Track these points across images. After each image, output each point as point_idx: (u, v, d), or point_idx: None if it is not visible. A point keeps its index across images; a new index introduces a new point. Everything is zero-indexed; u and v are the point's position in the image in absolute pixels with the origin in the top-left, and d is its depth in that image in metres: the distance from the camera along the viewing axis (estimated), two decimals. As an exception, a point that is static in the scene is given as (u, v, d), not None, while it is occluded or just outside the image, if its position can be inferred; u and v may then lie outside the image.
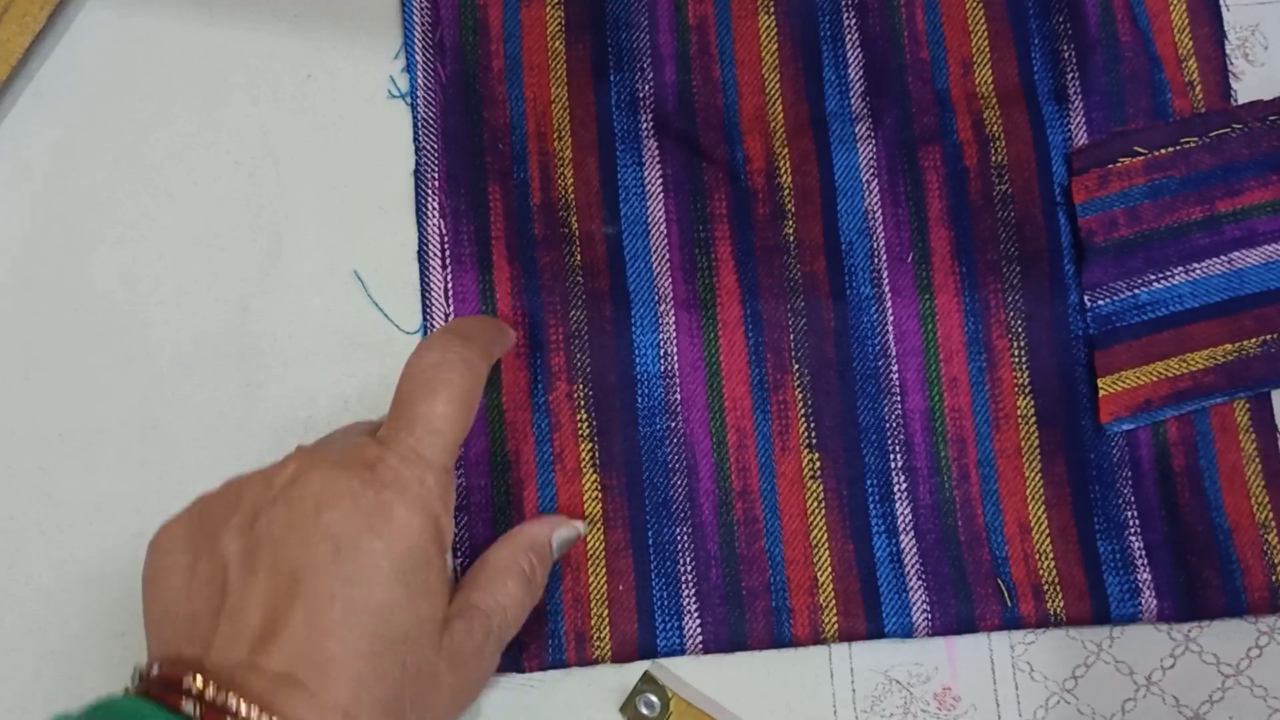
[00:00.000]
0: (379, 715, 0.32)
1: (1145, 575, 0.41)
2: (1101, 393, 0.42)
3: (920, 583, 0.41)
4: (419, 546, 0.33)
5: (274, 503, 0.33)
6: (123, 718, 0.30)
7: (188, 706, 0.30)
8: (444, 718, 0.35)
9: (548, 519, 0.41)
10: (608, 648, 0.41)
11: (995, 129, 0.43)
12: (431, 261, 0.43)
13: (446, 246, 0.43)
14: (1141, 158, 0.43)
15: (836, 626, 0.41)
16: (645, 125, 0.44)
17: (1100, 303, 0.42)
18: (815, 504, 0.42)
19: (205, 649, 0.32)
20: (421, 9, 0.44)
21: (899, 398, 0.42)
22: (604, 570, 0.41)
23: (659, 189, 0.43)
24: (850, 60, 0.44)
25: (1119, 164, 0.43)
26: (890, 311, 0.43)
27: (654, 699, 0.40)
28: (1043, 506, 0.42)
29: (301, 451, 0.35)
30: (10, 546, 0.42)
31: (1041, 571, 0.41)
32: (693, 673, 0.41)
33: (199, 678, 0.31)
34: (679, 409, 0.42)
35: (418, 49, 0.44)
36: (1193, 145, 0.43)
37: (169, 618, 0.34)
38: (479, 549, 0.41)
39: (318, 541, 0.32)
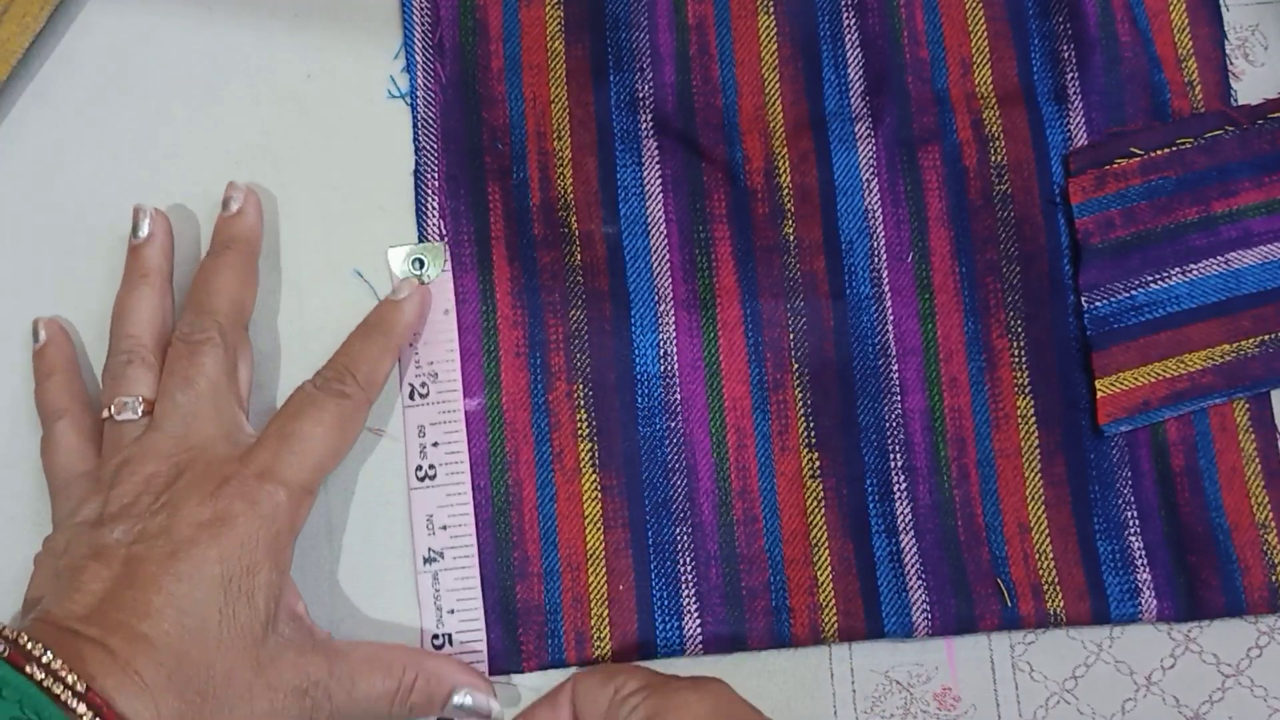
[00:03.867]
0: (174, 701, 0.35)
1: (1145, 575, 0.41)
2: (1100, 394, 0.42)
3: (920, 582, 0.41)
4: (250, 557, 0.37)
5: (157, 498, 0.38)
6: None
7: None
8: None
9: (479, 679, 0.40)
10: (608, 648, 0.41)
11: (995, 129, 0.44)
12: (431, 261, 0.43)
13: (446, 247, 0.43)
14: (1138, 159, 0.43)
15: (836, 626, 0.41)
16: (645, 125, 0.44)
17: (1098, 304, 0.42)
18: (815, 504, 0.42)
19: (45, 610, 0.36)
20: (421, 9, 0.44)
21: (899, 397, 0.42)
22: (604, 570, 0.41)
23: (658, 189, 0.43)
24: (850, 60, 0.44)
25: (1115, 165, 0.43)
26: (890, 311, 0.43)
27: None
28: (1042, 506, 0.42)
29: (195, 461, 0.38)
30: (10, 546, 0.42)
31: (1041, 571, 0.41)
32: (693, 672, 0.41)
33: (6, 629, 0.34)
34: (679, 409, 0.42)
35: (417, 49, 0.44)
36: (1188, 146, 0.43)
37: (40, 570, 0.39)
38: (478, 550, 0.41)
39: (161, 541, 0.36)
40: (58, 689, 0.33)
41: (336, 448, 0.39)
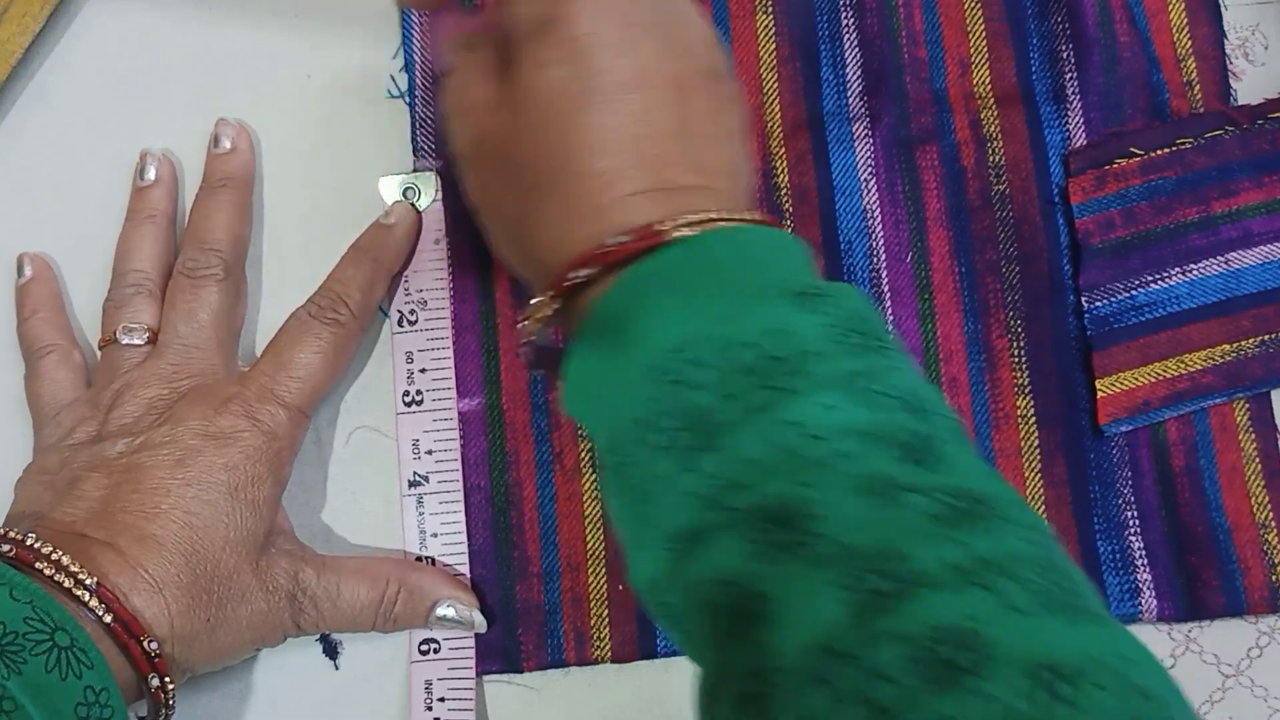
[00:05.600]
0: (183, 598, 0.36)
1: (1145, 575, 0.41)
2: (1100, 394, 0.42)
3: (920, 582, 0.41)
4: (254, 468, 0.38)
5: (160, 414, 0.38)
6: None
7: (3, 547, 0.34)
8: (245, 634, 0.38)
9: (462, 590, 0.41)
10: (608, 648, 0.41)
11: (993, 129, 0.43)
12: (431, 261, 0.43)
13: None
14: (1138, 159, 0.43)
15: (836, 626, 0.41)
16: (644, 125, 0.44)
17: (1098, 304, 0.42)
18: (815, 504, 0.42)
19: (40, 518, 0.36)
20: (420, 9, 0.44)
21: (898, 397, 0.42)
22: (604, 570, 0.41)
23: (658, 189, 0.43)
24: (848, 60, 0.44)
25: (1115, 165, 0.43)
26: (889, 311, 0.43)
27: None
28: (1042, 507, 0.42)
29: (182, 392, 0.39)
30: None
31: (1041, 571, 0.41)
32: (693, 672, 0.41)
33: (11, 532, 0.35)
34: (678, 408, 0.42)
35: (417, 48, 0.44)
36: (1188, 146, 0.43)
37: (28, 483, 0.39)
38: (478, 552, 0.41)
39: (167, 450, 0.37)
40: (69, 583, 0.34)
41: (331, 373, 0.40)
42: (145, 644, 0.35)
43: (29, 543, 0.34)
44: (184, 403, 0.38)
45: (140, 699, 0.36)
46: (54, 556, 0.34)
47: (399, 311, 0.42)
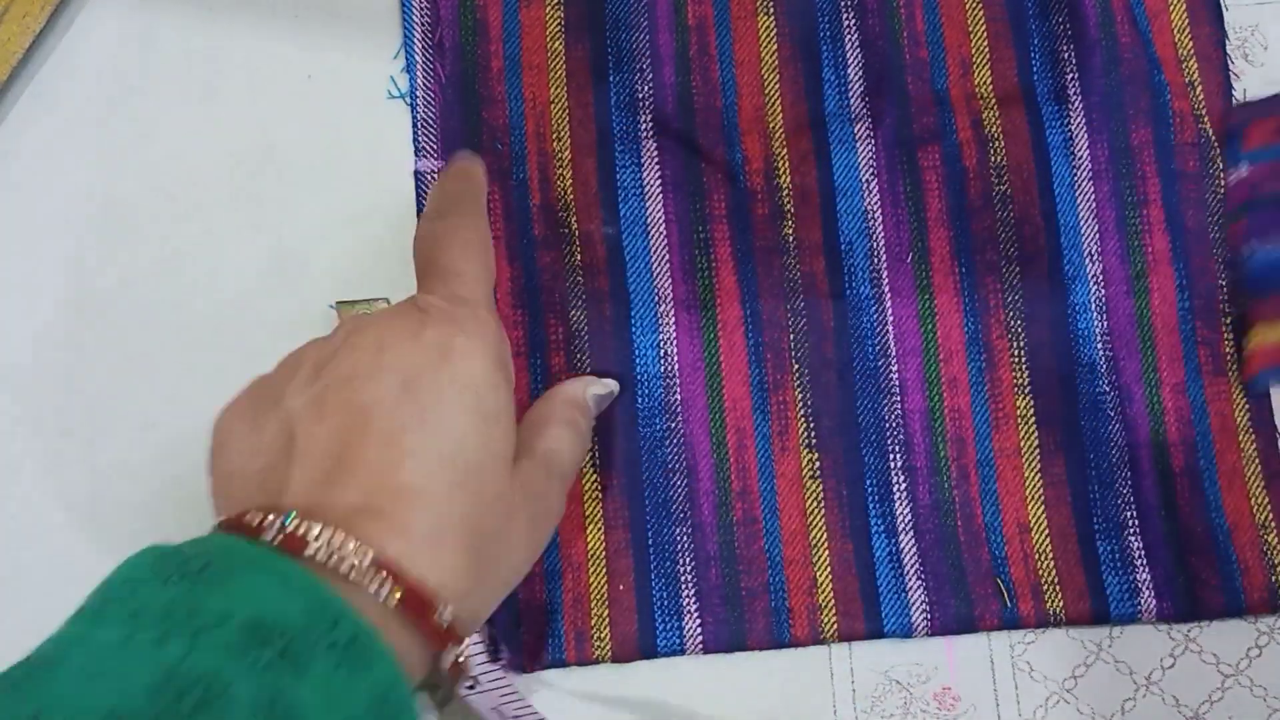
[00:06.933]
0: (460, 542, 0.31)
1: (1145, 575, 0.41)
2: (1251, 344, 0.41)
3: (920, 583, 0.41)
4: (486, 376, 0.33)
5: (334, 354, 0.33)
6: (217, 549, 0.29)
7: (267, 538, 0.29)
8: (520, 553, 0.34)
9: (581, 378, 0.41)
10: (608, 648, 0.41)
11: (995, 129, 0.43)
12: (431, 261, 0.43)
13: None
14: None
15: (836, 626, 0.41)
16: (644, 126, 0.44)
17: (1260, 251, 0.41)
18: (815, 504, 0.42)
19: (279, 495, 0.31)
20: (421, 9, 0.44)
21: (898, 398, 0.42)
22: (604, 570, 0.41)
23: (658, 189, 0.43)
24: (850, 60, 0.44)
25: None
26: (890, 311, 0.43)
27: None
28: (1042, 506, 0.42)
29: (349, 317, 0.35)
30: (10, 546, 0.42)
31: (1041, 571, 0.41)
32: (693, 673, 0.41)
33: (269, 516, 0.30)
34: (679, 409, 0.42)
35: (417, 49, 0.44)
36: None
37: (237, 478, 0.33)
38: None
39: (385, 378, 0.32)
40: (344, 568, 0.29)
41: (488, 259, 0.36)
42: (438, 616, 0.30)
43: (293, 528, 0.30)
44: (372, 330, 0.33)
45: (428, 683, 0.32)
46: (322, 536, 0.29)
47: None
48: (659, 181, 0.43)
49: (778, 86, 0.44)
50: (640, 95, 0.44)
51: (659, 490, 0.42)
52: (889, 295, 0.43)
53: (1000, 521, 0.42)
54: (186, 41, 0.45)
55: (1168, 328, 0.43)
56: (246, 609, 0.27)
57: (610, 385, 0.41)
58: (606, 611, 0.41)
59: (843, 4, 0.44)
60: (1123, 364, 0.43)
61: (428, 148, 0.44)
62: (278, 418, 0.33)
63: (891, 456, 0.42)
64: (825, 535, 0.42)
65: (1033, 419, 0.42)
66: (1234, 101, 0.44)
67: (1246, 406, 0.42)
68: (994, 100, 0.44)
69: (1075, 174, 0.43)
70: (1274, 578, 0.41)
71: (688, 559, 0.41)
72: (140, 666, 0.26)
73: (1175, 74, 0.44)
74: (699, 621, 0.41)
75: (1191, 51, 0.44)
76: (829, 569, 0.41)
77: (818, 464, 0.42)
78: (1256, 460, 0.42)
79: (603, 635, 0.41)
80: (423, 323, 0.33)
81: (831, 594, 0.41)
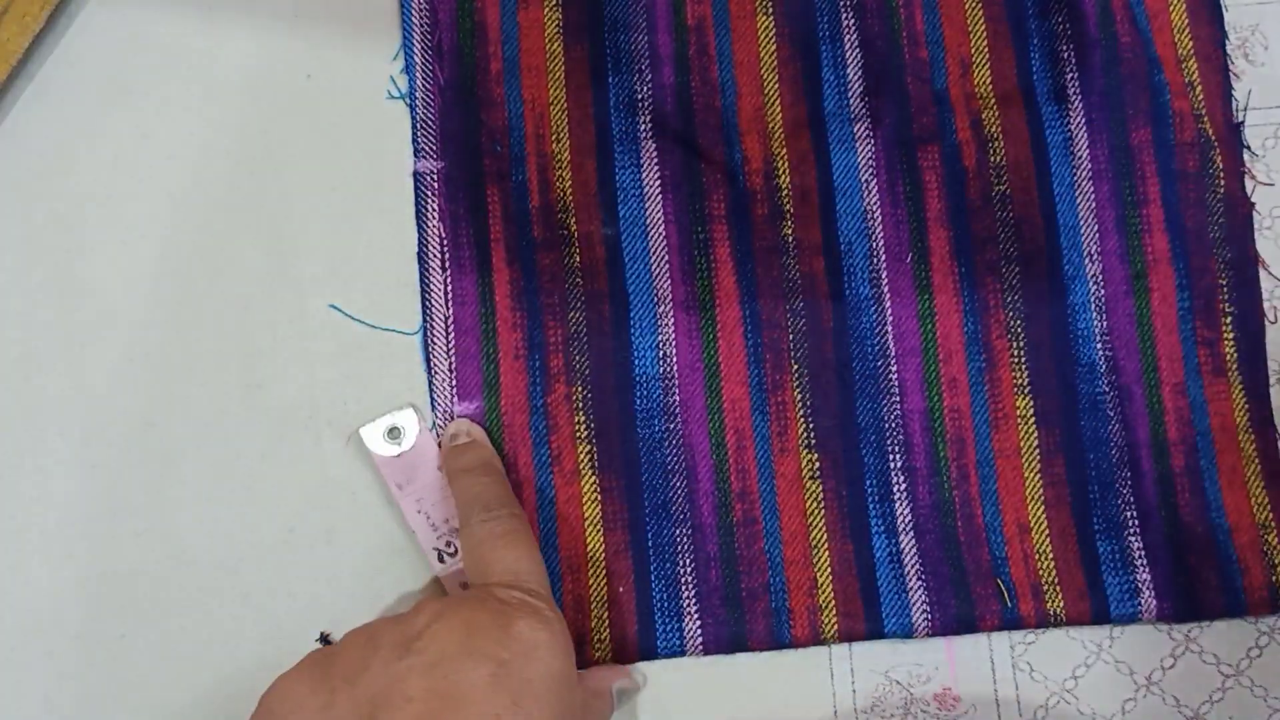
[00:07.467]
0: None
1: (1145, 575, 0.41)
2: None
3: (920, 583, 0.41)
4: (567, 674, 0.34)
5: (419, 635, 0.34)
6: None
7: None
8: None
9: (618, 670, 0.41)
10: (608, 649, 0.41)
11: (994, 129, 0.43)
12: (431, 264, 0.43)
13: (446, 249, 0.43)
14: None
15: (836, 627, 0.41)
16: (643, 127, 0.44)
17: None
18: (815, 505, 0.42)
19: None
20: (420, 11, 0.44)
21: (898, 398, 0.42)
22: (604, 572, 0.41)
23: (657, 190, 0.43)
24: (849, 60, 0.44)
25: None
26: (889, 312, 0.43)
27: None
28: (1042, 506, 0.42)
29: (428, 599, 0.36)
30: (10, 546, 0.42)
31: (1041, 571, 0.41)
32: (693, 673, 0.41)
33: None
34: (678, 410, 0.42)
35: (416, 51, 0.44)
36: None
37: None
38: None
39: (476, 665, 0.33)
40: None
41: (537, 557, 0.38)
42: None
43: None
44: (458, 615, 0.34)
45: None
46: None
47: (435, 549, 0.41)
48: (658, 182, 0.43)
49: (777, 87, 0.44)
50: (639, 96, 0.44)
51: (658, 492, 0.42)
52: (888, 295, 0.43)
53: (1000, 522, 0.42)
54: (186, 41, 0.45)
55: (1167, 328, 0.43)
56: None
57: (637, 681, 0.41)
58: (606, 613, 0.41)
59: (842, 4, 0.44)
60: (1122, 364, 0.43)
61: (427, 148, 0.44)
62: (353, 696, 0.33)
63: (891, 457, 0.42)
64: (825, 536, 0.42)
65: (1032, 419, 0.42)
66: (1234, 101, 0.44)
67: (1246, 406, 0.42)
68: (993, 100, 0.44)
69: (1075, 174, 0.43)
70: (1274, 578, 0.41)
71: (687, 560, 0.41)
72: None
73: (1175, 74, 0.44)
74: (699, 622, 0.41)
75: (1191, 51, 0.44)
76: (829, 569, 0.41)
77: (817, 464, 0.42)
78: (1256, 460, 0.42)
79: (603, 636, 0.41)
80: (509, 615, 0.34)
81: (832, 594, 0.41)
